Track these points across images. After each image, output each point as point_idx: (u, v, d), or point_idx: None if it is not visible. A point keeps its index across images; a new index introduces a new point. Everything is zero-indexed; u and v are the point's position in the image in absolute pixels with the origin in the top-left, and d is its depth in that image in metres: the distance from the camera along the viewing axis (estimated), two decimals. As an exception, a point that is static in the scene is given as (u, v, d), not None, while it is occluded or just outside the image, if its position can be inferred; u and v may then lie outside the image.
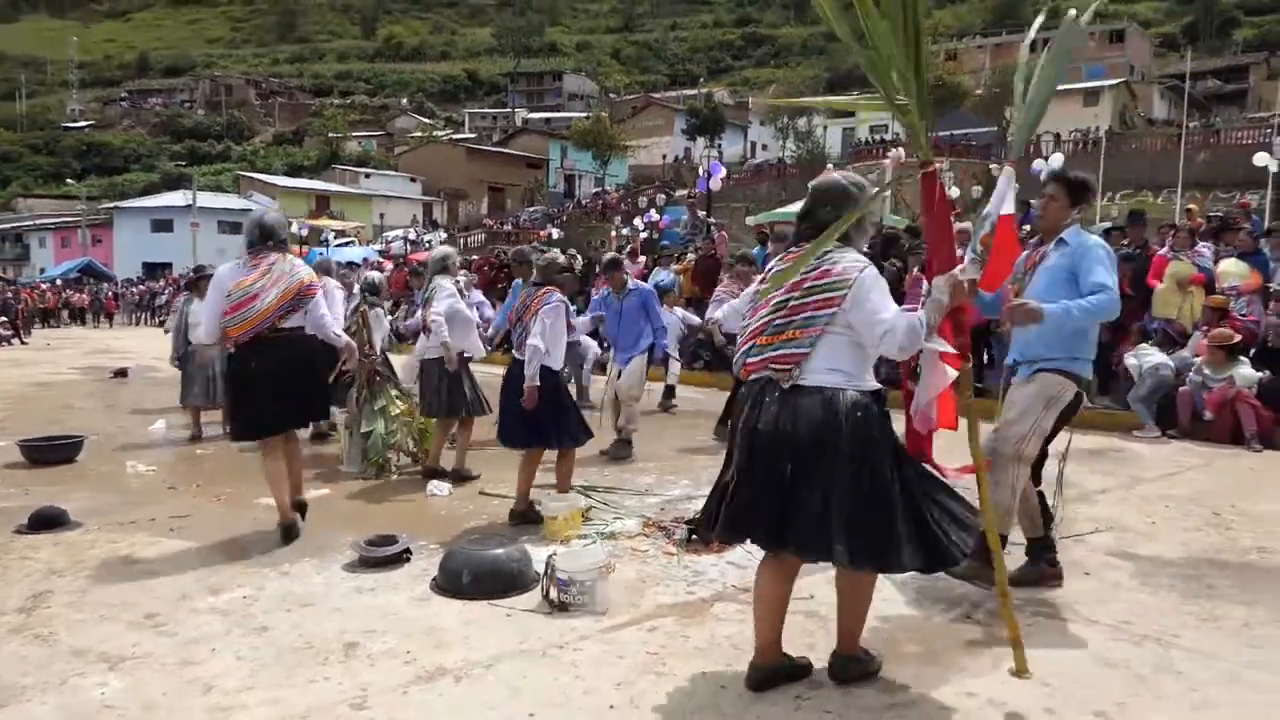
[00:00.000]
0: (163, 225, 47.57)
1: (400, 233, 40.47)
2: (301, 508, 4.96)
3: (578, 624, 3.55)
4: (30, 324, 26.69)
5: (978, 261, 4.14)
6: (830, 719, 2.76)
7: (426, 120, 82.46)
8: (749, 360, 2.90)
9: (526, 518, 5.05)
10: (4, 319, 22.62)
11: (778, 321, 2.84)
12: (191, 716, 2.80)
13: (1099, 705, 2.83)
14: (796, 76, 57.91)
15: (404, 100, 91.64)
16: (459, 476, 6.17)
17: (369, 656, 3.24)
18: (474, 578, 3.88)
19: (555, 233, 36.63)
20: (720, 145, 57.71)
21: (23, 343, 22.54)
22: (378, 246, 38.81)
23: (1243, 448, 7.32)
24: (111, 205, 52.79)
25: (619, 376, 7.22)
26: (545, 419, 5.12)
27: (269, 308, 4.58)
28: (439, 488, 5.89)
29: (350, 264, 25.29)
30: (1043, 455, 4.07)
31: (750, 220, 27.41)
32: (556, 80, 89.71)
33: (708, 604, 3.78)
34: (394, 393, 6.62)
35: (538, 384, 5.04)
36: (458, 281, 6.76)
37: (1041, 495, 4.09)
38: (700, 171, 18.49)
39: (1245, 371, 7.64)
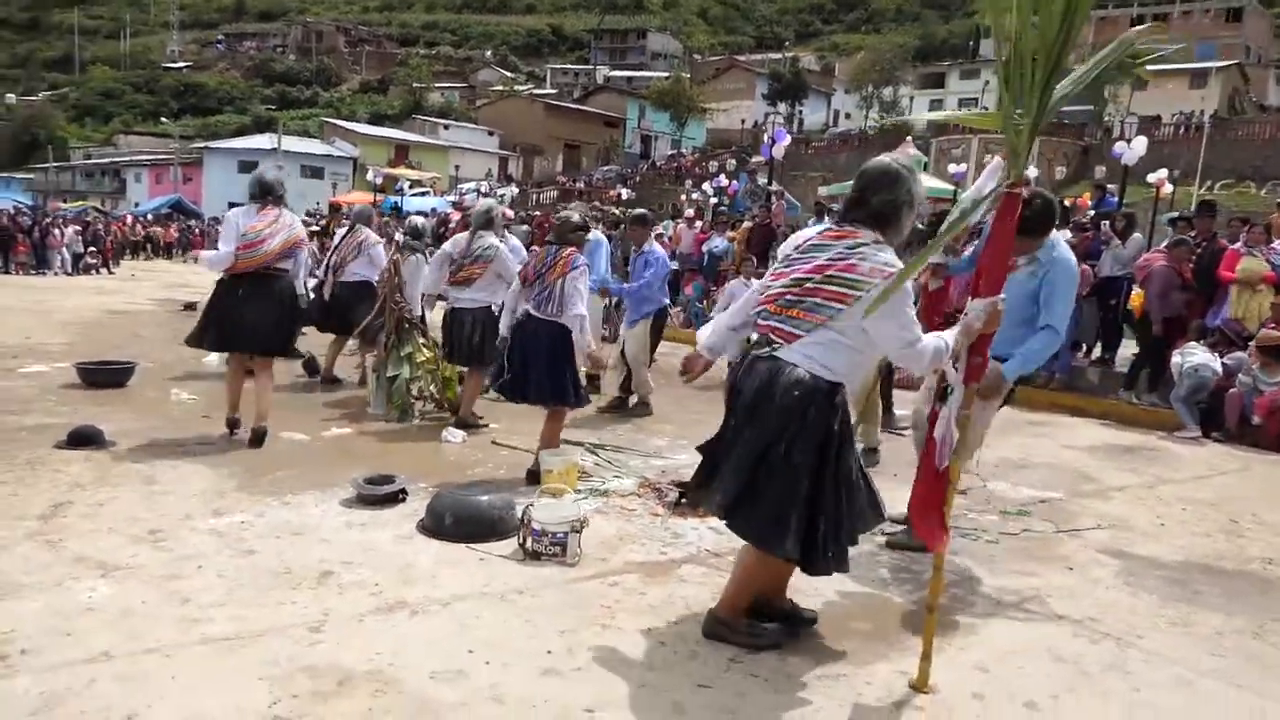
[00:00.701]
0: (248, 166, 48.60)
1: (473, 185, 40.95)
2: (260, 435, 5.60)
3: (544, 573, 3.66)
4: (120, 255, 27.95)
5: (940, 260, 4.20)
6: (757, 683, 2.82)
7: (509, 74, 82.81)
8: (759, 321, 3.00)
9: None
10: (93, 249, 23.74)
11: (789, 297, 2.88)
12: (162, 624, 3.01)
13: (1031, 696, 2.83)
14: (885, 44, 56.22)
15: (488, 53, 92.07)
16: (463, 424, 6.34)
17: (339, 586, 3.41)
18: (455, 520, 4.02)
19: (626, 193, 36.60)
20: (801, 112, 56.79)
21: (110, 272, 23.66)
22: (452, 197, 39.41)
23: (1289, 456, 7.03)
24: (202, 145, 54.59)
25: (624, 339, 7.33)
26: (562, 377, 5.21)
27: (274, 251, 5.41)
28: (453, 435, 6.07)
29: (394, 211, 25.86)
30: None
31: (824, 190, 26.99)
32: (640, 38, 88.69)
33: (676, 565, 3.86)
34: (421, 340, 6.81)
35: (592, 348, 5.21)
36: (502, 236, 6.91)
37: None
38: (765, 138, 18.18)
39: (1299, 377, 7.30)
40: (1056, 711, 2.75)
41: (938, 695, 2.80)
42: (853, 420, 3.05)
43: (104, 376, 7.32)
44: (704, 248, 14.61)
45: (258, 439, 5.54)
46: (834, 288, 2.79)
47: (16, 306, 13.38)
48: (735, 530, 2.93)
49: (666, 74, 64.24)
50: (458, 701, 2.60)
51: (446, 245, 6.86)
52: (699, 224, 15.87)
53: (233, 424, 5.73)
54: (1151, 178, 17.70)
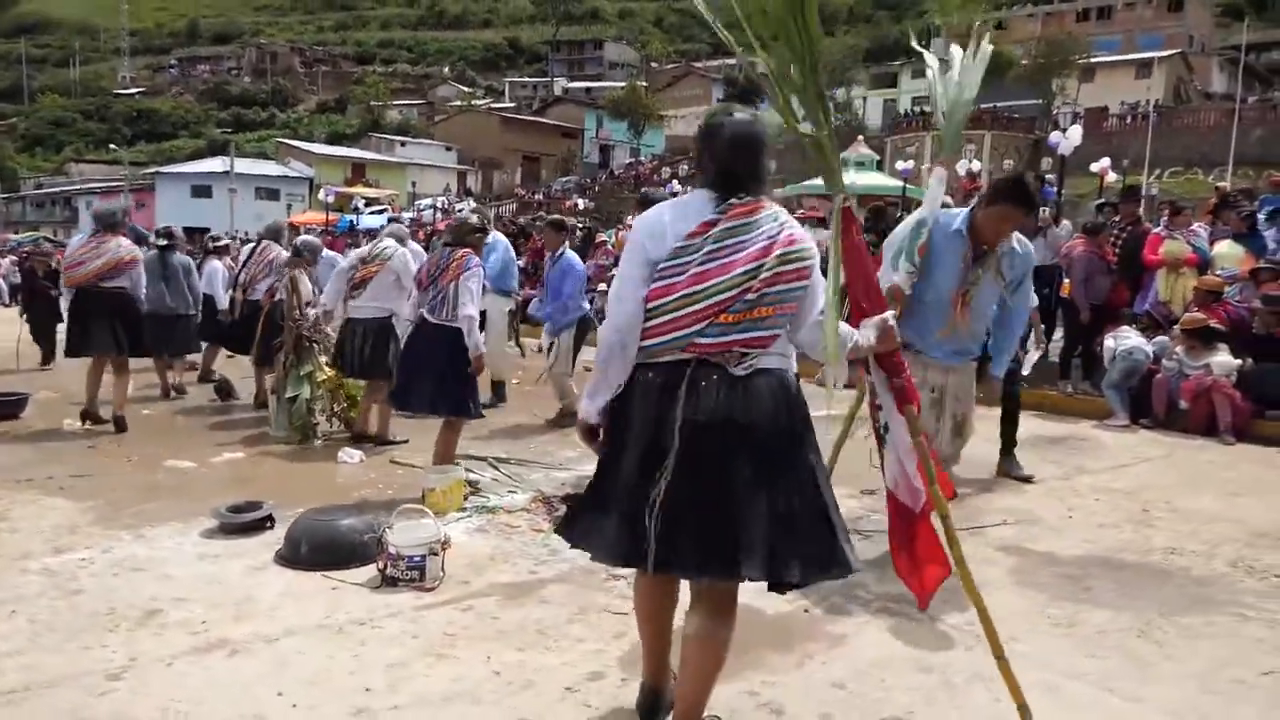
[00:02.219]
0: (202, 191, 48.35)
1: (430, 201, 40.59)
2: (119, 423, 6.53)
3: (395, 600, 3.42)
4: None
5: (913, 271, 3.85)
6: (587, 712, 2.60)
7: (467, 89, 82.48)
8: (702, 340, 2.23)
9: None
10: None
11: (749, 297, 2.23)
12: (-58, 681, 2.74)
13: (885, 713, 2.63)
14: (835, 45, 56.44)
15: (446, 69, 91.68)
16: (381, 441, 6.16)
17: (161, 625, 3.15)
18: (311, 547, 3.78)
19: (583, 203, 36.44)
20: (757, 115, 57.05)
21: (50, 302, 23.03)
22: (410, 214, 39.04)
23: (1215, 439, 6.94)
24: (154, 171, 53.78)
25: (549, 348, 7.09)
26: (456, 386, 5.02)
27: (91, 271, 6.45)
28: (350, 455, 5.82)
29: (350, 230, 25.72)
30: None
31: (779, 192, 27.04)
32: (598, 49, 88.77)
33: (542, 585, 3.63)
34: (322, 359, 6.54)
35: (482, 351, 5.02)
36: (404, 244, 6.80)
37: None
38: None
39: (1223, 359, 7.22)
40: (908, 728, 2.56)
41: (783, 716, 2.59)
42: None
43: (-6, 408, 6.99)
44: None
45: (118, 425, 6.49)
46: (792, 265, 2.27)
47: (-65, 341, 12.90)
48: (804, 584, 2.32)
49: (624, 84, 64.24)
50: (243, 753, 2.36)
51: (347, 259, 6.67)
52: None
53: (86, 414, 6.58)
54: (1095, 167, 17.77)
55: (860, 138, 30.27)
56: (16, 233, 45.72)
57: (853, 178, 23.50)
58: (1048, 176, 14.73)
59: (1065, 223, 9.38)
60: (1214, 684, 2.87)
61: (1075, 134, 14.77)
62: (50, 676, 2.75)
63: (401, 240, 6.62)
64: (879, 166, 27.67)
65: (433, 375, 5.06)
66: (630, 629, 3.11)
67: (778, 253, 2.25)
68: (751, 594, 3.44)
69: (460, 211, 35.53)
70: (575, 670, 2.85)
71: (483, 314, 5.74)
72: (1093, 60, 44.03)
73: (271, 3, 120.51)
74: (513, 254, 8.36)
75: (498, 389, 7.58)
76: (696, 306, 2.23)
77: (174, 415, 7.38)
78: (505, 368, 7.72)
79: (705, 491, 2.20)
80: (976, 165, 20.46)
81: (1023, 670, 2.85)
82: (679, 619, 2.46)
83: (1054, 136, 15.42)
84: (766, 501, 2.20)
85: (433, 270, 5.20)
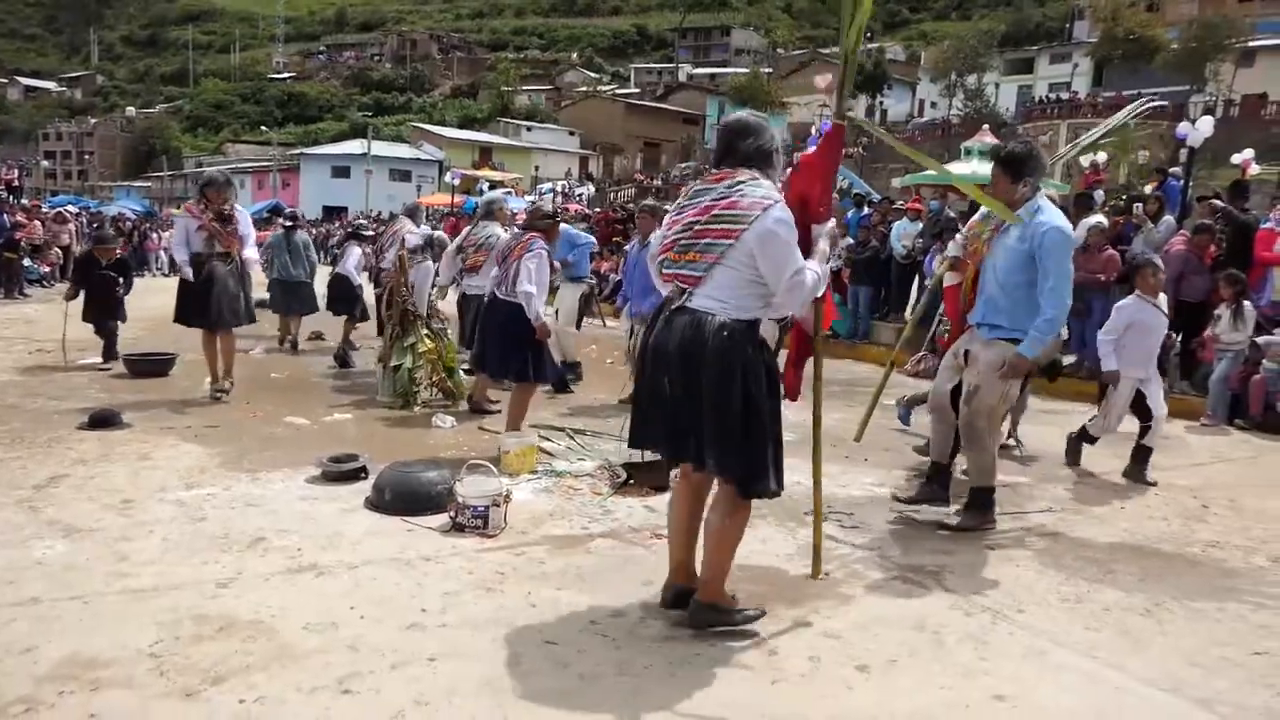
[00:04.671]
0: (341, 172, 51.24)
1: (550, 185, 41.70)
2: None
3: (460, 543, 3.90)
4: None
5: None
6: (603, 642, 2.99)
7: (593, 75, 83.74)
8: (664, 270, 3.07)
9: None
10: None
11: (684, 241, 2.97)
12: (95, 577, 3.37)
13: (868, 660, 2.91)
14: (969, 30, 54.38)
15: (574, 55, 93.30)
16: (477, 409, 6.74)
17: (265, 550, 3.73)
18: (393, 495, 4.31)
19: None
20: (884, 103, 55.61)
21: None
22: (532, 197, 40.27)
23: (1314, 445, 6.71)
24: (298, 152, 57.21)
25: (630, 330, 7.47)
26: (518, 353, 5.57)
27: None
28: (443, 420, 6.40)
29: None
30: None
31: (897, 182, 26.57)
32: (725, 35, 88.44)
33: (590, 539, 4.04)
34: (424, 331, 7.16)
35: (542, 321, 5.53)
36: (509, 228, 7.36)
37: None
38: (813, 130, 17.97)
39: (1327, 363, 6.96)
40: (885, 674, 2.83)
41: (772, 657, 2.92)
42: None
43: (147, 366, 7.94)
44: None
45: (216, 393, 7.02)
46: (720, 225, 2.89)
47: (105, 306, 14.43)
48: (729, 480, 2.94)
49: (748, 70, 63.78)
50: (315, 649, 2.86)
51: (456, 239, 7.28)
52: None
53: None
54: (1236, 158, 16.74)
55: (986, 126, 29.27)
56: (178, 208, 49.64)
57: (974, 167, 22.89)
58: (1173, 170, 14.01)
59: (1168, 218, 9.06)
60: (1200, 659, 3.01)
61: (1205, 124, 13.95)
62: (175, 582, 3.35)
63: (492, 214, 7.16)
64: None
65: (499, 345, 5.66)
66: (657, 578, 3.50)
67: (714, 213, 2.92)
68: (778, 559, 3.79)
69: (580, 196, 36.37)
70: (602, 608, 3.25)
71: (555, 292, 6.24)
72: (1252, 44, 40.89)
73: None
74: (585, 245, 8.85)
75: (573, 367, 8.05)
76: (666, 241, 3.09)
77: (298, 379, 8.19)
78: (570, 346, 8.23)
79: (650, 396, 3.04)
80: (1103, 156, 19.49)
81: (1017, 638, 3.11)
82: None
83: (1182, 127, 14.61)
84: (682, 409, 2.92)
85: (504, 251, 5.82)
